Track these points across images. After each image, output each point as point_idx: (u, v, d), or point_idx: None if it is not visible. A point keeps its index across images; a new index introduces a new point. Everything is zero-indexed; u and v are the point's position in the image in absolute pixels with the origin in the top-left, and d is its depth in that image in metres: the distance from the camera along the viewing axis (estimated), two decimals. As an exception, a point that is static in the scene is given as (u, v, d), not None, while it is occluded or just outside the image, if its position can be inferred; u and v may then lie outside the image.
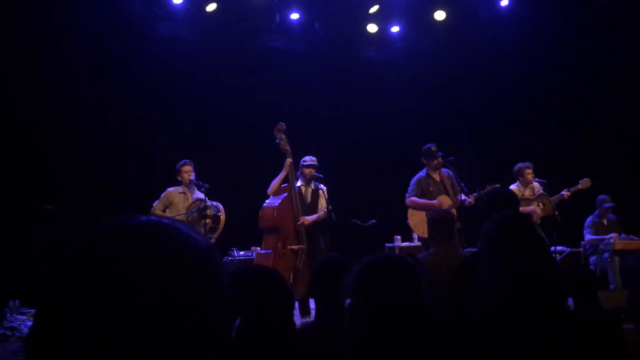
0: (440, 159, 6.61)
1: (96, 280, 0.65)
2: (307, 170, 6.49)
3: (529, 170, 7.21)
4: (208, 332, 0.68)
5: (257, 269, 1.96)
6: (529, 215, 7.10)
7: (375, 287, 1.69)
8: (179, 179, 6.59)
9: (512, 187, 7.22)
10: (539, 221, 6.97)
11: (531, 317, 1.99)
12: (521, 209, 7.08)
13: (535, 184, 7.26)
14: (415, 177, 6.72)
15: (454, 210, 6.25)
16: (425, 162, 6.69)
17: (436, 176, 6.70)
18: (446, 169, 6.72)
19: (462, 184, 6.53)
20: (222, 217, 6.34)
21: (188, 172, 6.52)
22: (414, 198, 6.63)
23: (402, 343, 1.65)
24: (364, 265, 1.76)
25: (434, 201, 6.52)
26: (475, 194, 6.47)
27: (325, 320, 2.42)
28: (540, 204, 7.11)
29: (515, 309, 2.01)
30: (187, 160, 6.62)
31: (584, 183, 7.26)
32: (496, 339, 2.00)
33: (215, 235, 6.34)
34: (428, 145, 6.71)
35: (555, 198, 7.11)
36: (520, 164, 7.28)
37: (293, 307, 1.86)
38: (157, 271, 0.66)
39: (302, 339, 2.37)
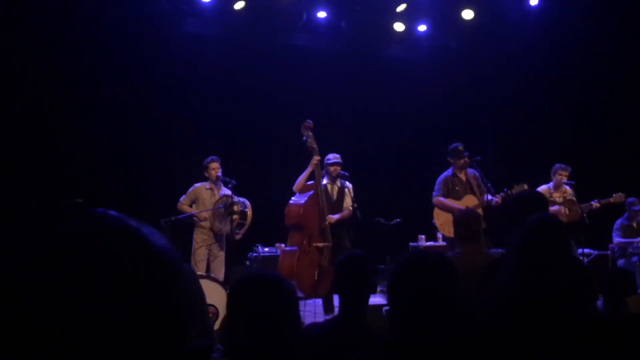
0: (466, 159, 6.58)
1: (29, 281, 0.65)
2: (332, 169, 6.51)
3: (562, 172, 7.15)
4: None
5: (258, 276, 1.96)
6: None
7: (416, 283, 1.71)
8: (206, 175, 6.65)
9: (543, 187, 7.18)
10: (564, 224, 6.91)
11: (545, 318, 1.98)
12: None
13: (567, 188, 7.18)
14: (442, 176, 6.69)
15: (480, 211, 6.22)
16: (451, 161, 6.66)
17: (462, 176, 6.66)
18: (472, 169, 6.69)
19: (489, 184, 6.49)
20: (249, 213, 6.39)
21: (215, 168, 6.57)
22: (441, 198, 6.59)
23: (442, 339, 1.66)
24: (404, 262, 1.78)
25: (460, 206, 6.48)
26: (501, 194, 6.43)
27: (348, 315, 2.45)
28: (567, 209, 7.04)
29: (529, 310, 2.01)
30: (215, 157, 6.67)
31: (617, 197, 7.20)
32: (507, 339, 2.01)
33: (242, 231, 6.40)
34: (455, 144, 6.67)
35: (584, 206, 7.04)
36: (557, 164, 7.25)
37: (297, 311, 1.86)
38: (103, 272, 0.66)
39: (325, 334, 2.39)
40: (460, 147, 6.62)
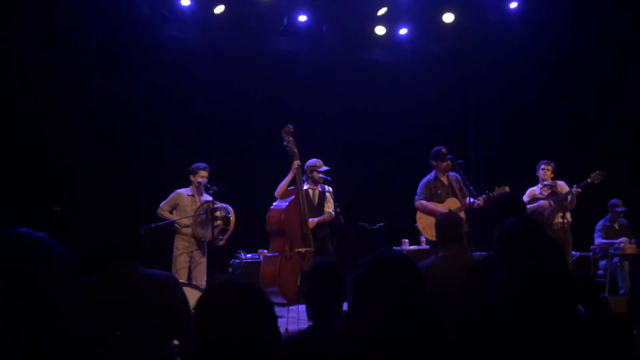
0: (449, 162, 6.58)
1: None
2: (317, 176, 6.46)
3: (545, 167, 7.20)
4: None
5: (232, 285, 1.88)
6: (540, 213, 7.06)
7: (379, 283, 1.67)
8: (192, 179, 6.53)
9: (533, 188, 7.25)
10: (553, 217, 6.94)
11: (543, 319, 1.97)
12: (532, 205, 7.07)
13: (561, 183, 7.19)
14: (424, 180, 6.69)
15: (462, 214, 6.22)
16: (434, 164, 6.66)
17: (444, 179, 6.67)
18: (454, 173, 6.69)
19: (471, 187, 6.50)
20: (232, 218, 6.33)
21: (204, 177, 6.47)
22: (424, 202, 6.59)
23: (408, 339, 1.62)
24: (366, 264, 1.75)
25: (443, 209, 6.48)
26: (483, 196, 6.44)
27: (321, 325, 2.41)
28: (552, 201, 7.07)
29: (527, 312, 2.00)
30: (206, 165, 6.55)
31: (595, 176, 7.03)
32: (507, 342, 1.99)
33: (225, 237, 6.33)
34: (438, 147, 6.67)
35: (566, 193, 7.05)
36: (541, 161, 7.31)
37: (275, 322, 1.80)
38: None
39: (298, 343, 2.36)
40: (444, 150, 6.62)
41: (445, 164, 6.59)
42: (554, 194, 7.07)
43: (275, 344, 1.73)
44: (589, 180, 7.01)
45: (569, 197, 6.99)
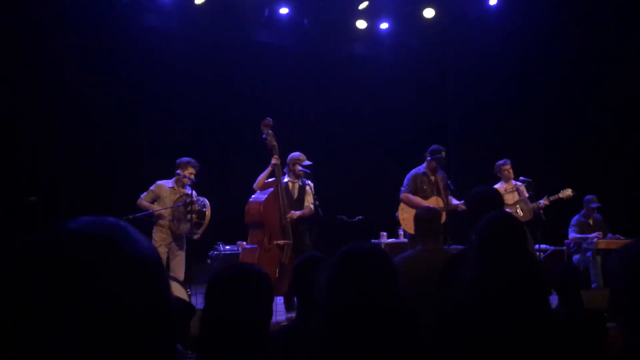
0: (442, 165, 6.57)
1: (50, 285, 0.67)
2: (299, 170, 6.45)
3: (506, 167, 7.33)
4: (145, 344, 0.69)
5: (240, 268, 1.95)
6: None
7: (349, 277, 1.69)
8: (178, 172, 6.43)
9: (497, 185, 7.29)
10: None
11: (512, 315, 2.00)
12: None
13: (519, 184, 7.32)
14: (412, 172, 6.62)
15: (443, 214, 6.22)
16: (428, 159, 6.59)
17: (432, 176, 6.65)
18: (441, 171, 6.68)
19: (449, 182, 6.51)
20: (208, 212, 6.29)
21: (192, 174, 6.37)
22: (410, 195, 6.58)
23: (375, 334, 1.64)
24: (338, 257, 1.77)
25: (427, 204, 6.48)
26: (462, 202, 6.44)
27: (307, 318, 2.43)
28: (519, 209, 7.16)
29: (496, 307, 2.03)
30: (197, 164, 6.47)
31: (565, 193, 7.25)
32: (476, 336, 2.01)
33: (200, 231, 6.29)
34: (440, 147, 6.59)
35: (534, 205, 7.16)
36: (497, 162, 7.41)
37: (271, 314, 1.86)
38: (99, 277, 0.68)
39: (284, 337, 2.37)
40: (444, 153, 6.58)
41: (434, 166, 6.58)
42: (521, 201, 7.19)
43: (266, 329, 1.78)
44: (559, 195, 7.23)
45: (539, 206, 7.16)
